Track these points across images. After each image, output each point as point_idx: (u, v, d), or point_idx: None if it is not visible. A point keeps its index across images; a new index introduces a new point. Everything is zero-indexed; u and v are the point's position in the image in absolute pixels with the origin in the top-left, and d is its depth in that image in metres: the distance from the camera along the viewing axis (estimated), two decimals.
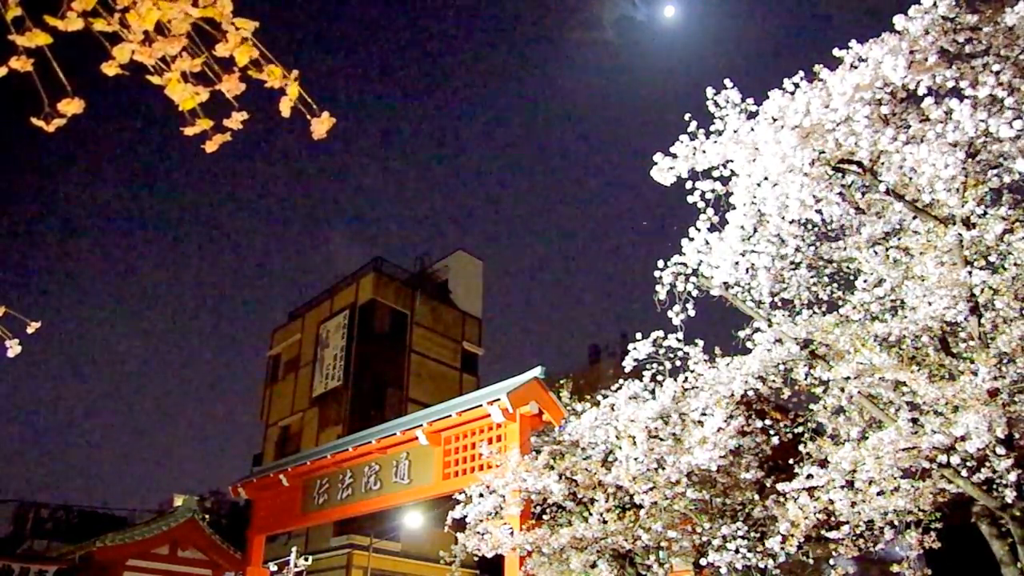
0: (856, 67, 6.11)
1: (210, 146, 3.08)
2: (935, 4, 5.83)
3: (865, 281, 8.06)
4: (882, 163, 6.75)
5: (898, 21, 5.91)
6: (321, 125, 3.09)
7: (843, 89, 6.01)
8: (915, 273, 7.16)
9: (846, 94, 6.01)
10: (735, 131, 6.88)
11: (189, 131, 3.02)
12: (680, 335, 8.61)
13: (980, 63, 5.96)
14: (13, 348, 3.63)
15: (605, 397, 11.38)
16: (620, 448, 10.00)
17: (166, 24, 2.86)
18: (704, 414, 8.85)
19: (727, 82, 7.21)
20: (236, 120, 3.05)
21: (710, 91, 7.25)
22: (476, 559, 12.81)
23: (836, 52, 6.36)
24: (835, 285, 8.99)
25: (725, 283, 7.92)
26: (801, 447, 10.15)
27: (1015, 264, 6.73)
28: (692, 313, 8.01)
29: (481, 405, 12.61)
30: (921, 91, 6.02)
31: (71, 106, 2.86)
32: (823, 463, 8.28)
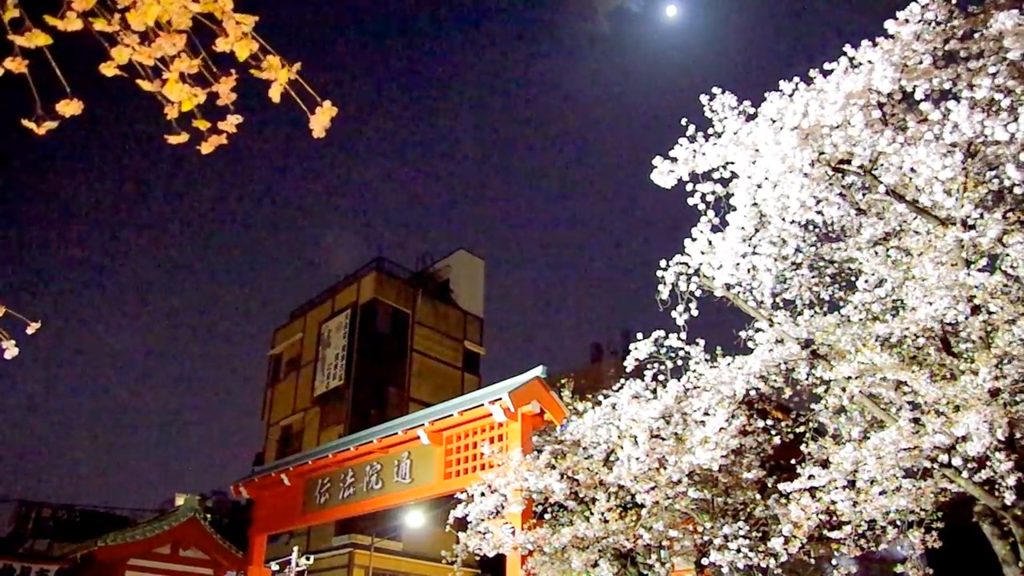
0: (850, 71, 6.09)
1: (206, 148, 3.06)
2: (926, 7, 5.81)
3: (866, 281, 8.06)
4: (881, 164, 6.73)
5: (890, 25, 5.88)
6: (323, 116, 3.03)
7: (835, 98, 6.01)
8: (915, 274, 7.14)
9: (837, 103, 6.00)
10: (735, 133, 6.87)
11: (174, 140, 3.00)
12: (683, 335, 8.61)
13: (977, 64, 5.94)
14: (10, 350, 3.61)
15: (607, 397, 11.39)
16: (622, 447, 10.00)
17: (165, 24, 2.84)
18: (706, 414, 8.84)
19: (716, 90, 7.21)
20: (231, 123, 3.03)
21: (704, 98, 7.24)
22: (478, 558, 12.80)
23: (828, 66, 6.35)
24: (836, 285, 8.99)
25: (727, 283, 7.91)
26: (803, 447, 10.14)
27: (1011, 267, 6.70)
28: (695, 313, 8.00)
29: (483, 404, 12.61)
30: (918, 95, 6.00)
31: (70, 107, 2.84)
32: (825, 463, 8.27)
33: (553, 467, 11.02)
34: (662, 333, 8.97)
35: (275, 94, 2.98)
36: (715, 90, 7.19)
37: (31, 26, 2.76)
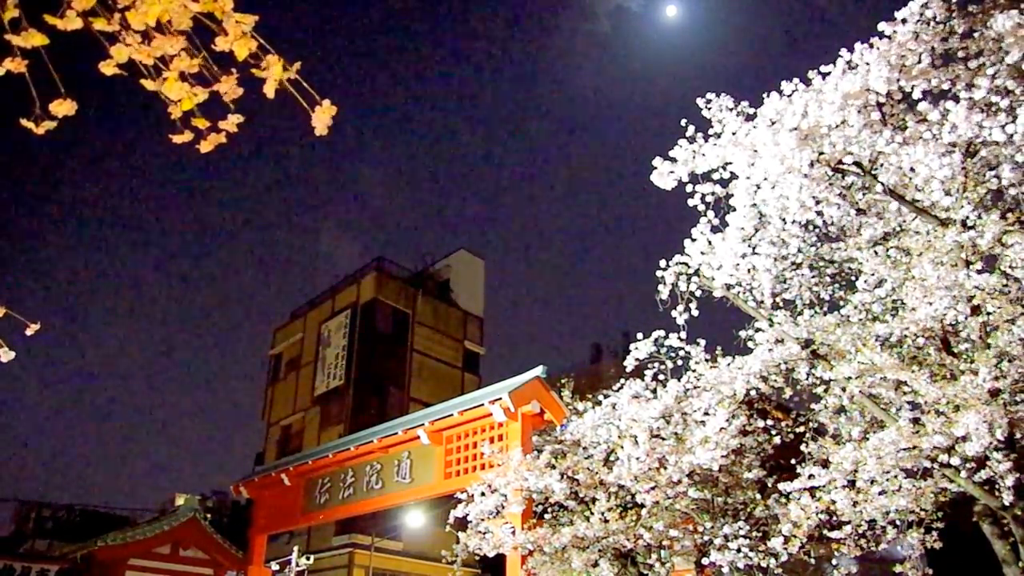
0: (848, 72, 6.09)
1: (205, 146, 3.05)
2: (925, 6, 5.80)
3: (866, 282, 8.05)
4: (880, 164, 6.73)
5: (884, 26, 5.86)
6: (323, 115, 3.01)
7: (832, 99, 6.00)
8: (915, 274, 7.14)
9: (835, 103, 6.00)
10: (733, 133, 6.86)
11: (178, 139, 2.99)
12: (683, 335, 8.62)
13: (976, 64, 5.93)
14: (6, 353, 3.61)
15: (607, 396, 11.39)
16: (622, 447, 10.00)
17: (165, 24, 2.84)
18: (706, 414, 8.84)
19: (711, 95, 7.21)
20: (232, 122, 3.02)
21: (701, 101, 7.24)
22: (478, 558, 12.80)
23: (825, 68, 6.34)
24: (836, 285, 8.99)
25: (727, 283, 7.91)
26: (803, 447, 10.14)
27: (1010, 267, 6.69)
28: (695, 313, 8.01)
29: (483, 404, 12.60)
30: (916, 95, 5.99)
31: (63, 107, 2.83)
32: (825, 463, 8.26)
33: (553, 467, 11.02)
34: (662, 333, 8.98)
35: (270, 90, 2.96)
36: (710, 95, 7.18)
37: (27, 26, 2.76)
